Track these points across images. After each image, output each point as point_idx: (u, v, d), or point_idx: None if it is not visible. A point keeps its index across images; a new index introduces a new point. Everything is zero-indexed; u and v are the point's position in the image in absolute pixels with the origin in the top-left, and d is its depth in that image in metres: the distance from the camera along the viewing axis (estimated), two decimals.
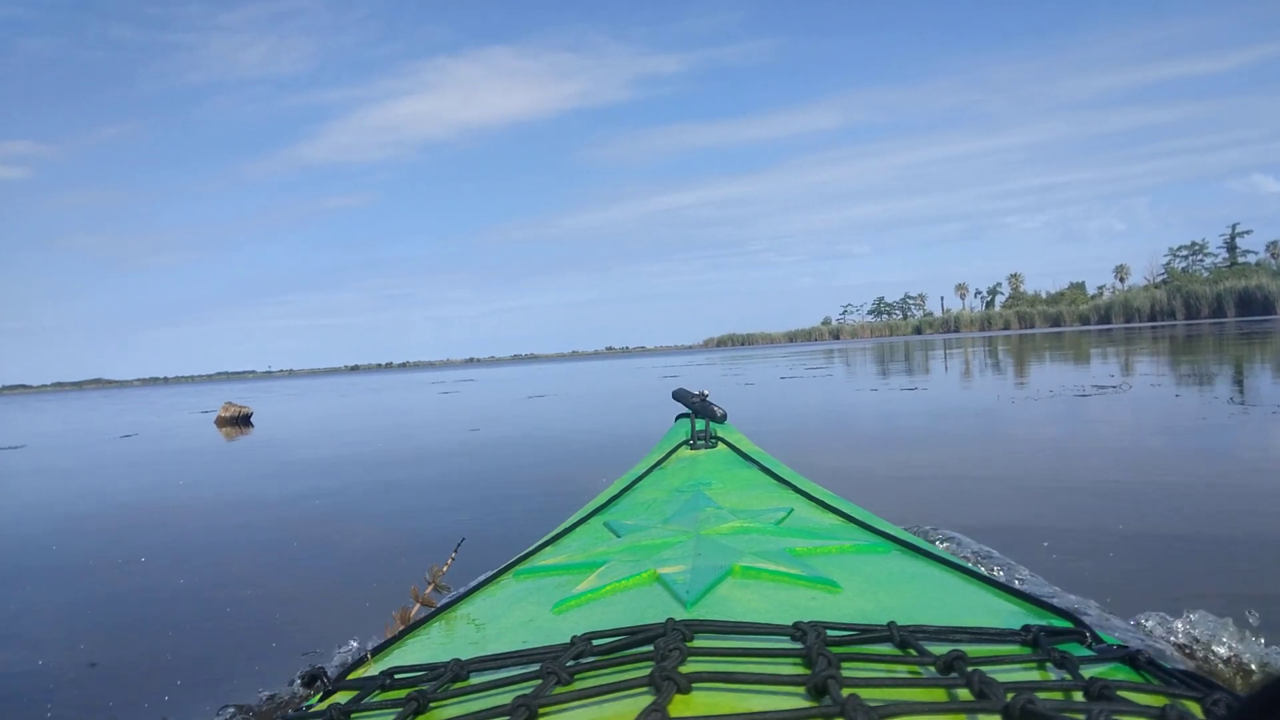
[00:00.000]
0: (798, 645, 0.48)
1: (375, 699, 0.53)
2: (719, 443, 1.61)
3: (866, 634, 0.50)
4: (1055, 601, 0.80)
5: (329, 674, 0.61)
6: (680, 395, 1.86)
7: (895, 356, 22.28)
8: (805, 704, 0.40)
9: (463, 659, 0.54)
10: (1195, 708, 0.41)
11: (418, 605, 0.95)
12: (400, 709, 0.48)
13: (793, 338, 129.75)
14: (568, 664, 0.48)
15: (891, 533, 0.89)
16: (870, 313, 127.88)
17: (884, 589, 0.67)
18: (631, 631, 0.51)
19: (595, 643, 0.51)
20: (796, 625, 0.49)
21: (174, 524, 4.13)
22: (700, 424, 1.69)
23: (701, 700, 0.42)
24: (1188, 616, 1.54)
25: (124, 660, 2.11)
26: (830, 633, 0.49)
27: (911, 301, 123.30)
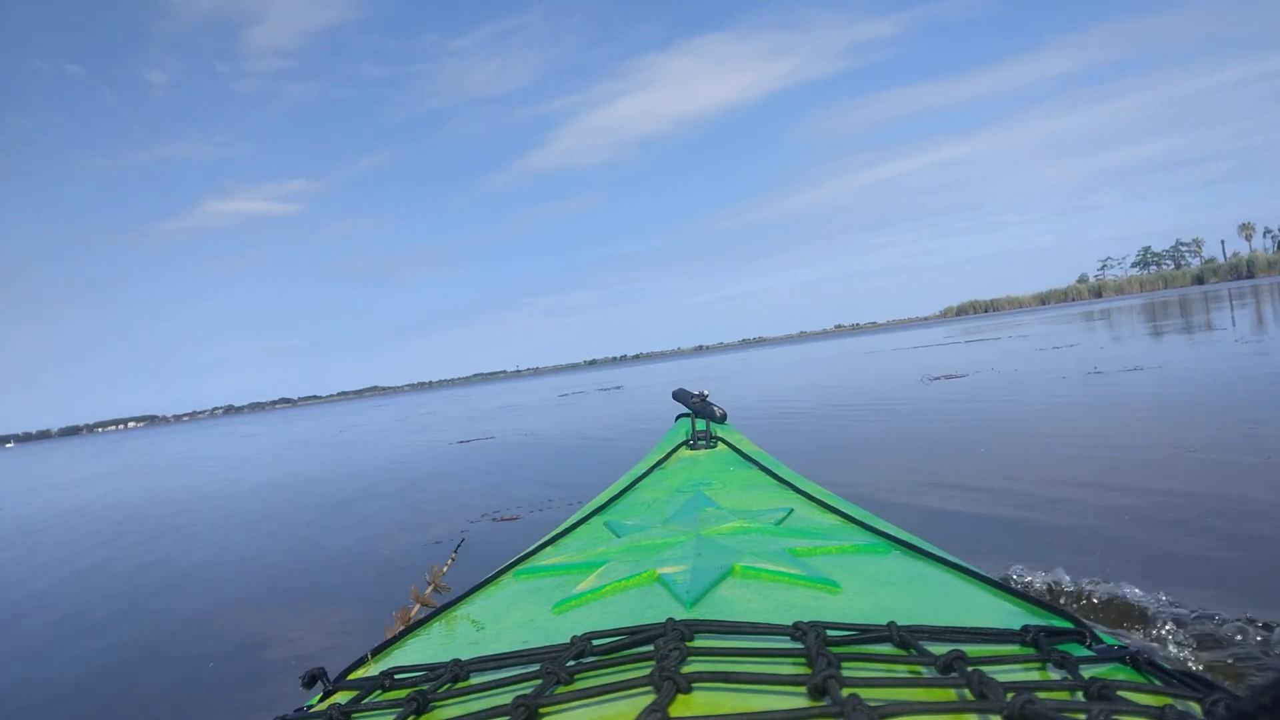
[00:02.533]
0: (798, 645, 0.48)
1: (375, 699, 0.53)
2: (719, 443, 1.61)
3: (866, 634, 0.50)
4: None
5: (329, 674, 0.61)
6: (680, 395, 1.87)
7: (1189, 311, 18.86)
8: (805, 704, 0.40)
9: (463, 659, 0.54)
10: (1196, 708, 0.41)
11: (418, 605, 0.95)
12: (400, 709, 0.48)
13: (1044, 300, 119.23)
14: (568, 664, 0.48)
15: (891, 533, 0.89)
16: (1135, 265, 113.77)
17: (884, 589, 0.67)
18: (631, 631, 0.51)
19: (595, 643, 0.51)
20: (796, 625, 0.49)
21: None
22: (700, 424, 1.69)
23: (702, 700, 0.42)
24: None
25: None
26: (830, 633, 0.49)
27: (1185, 248, 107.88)
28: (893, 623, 0.50)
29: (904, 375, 10.03)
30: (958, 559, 0.79)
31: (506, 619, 0.70)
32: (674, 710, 0.40)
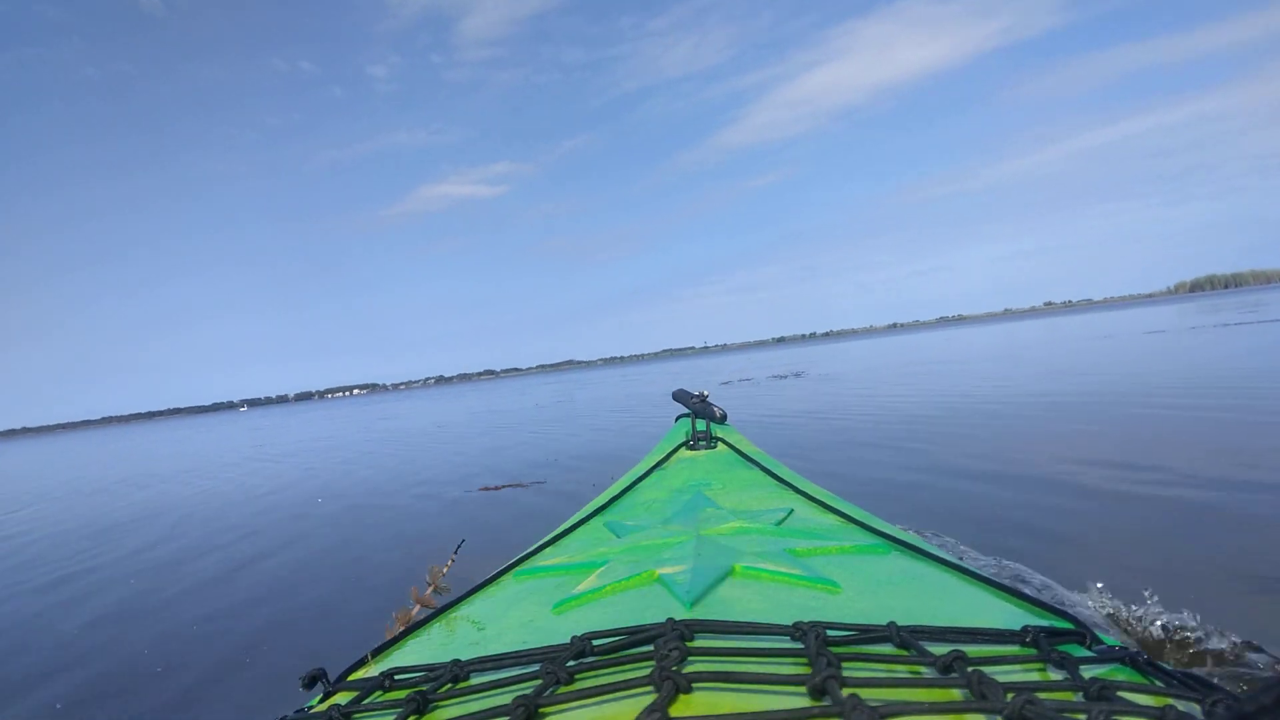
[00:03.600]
0: (798, 645, 0.48)
1: (376, 699, 0.53)
2: (719, 443, 1.61)
3: (867, 634, 0.50)
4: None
5: (329, 675, 0.61)
6: (680, 396, 1.87)
7: None
8: (806, 704, 0.40)
9: (463, 659, 0.54)
10: (1195, 709, 0.41)
11: (418, 606, 0.95)
12: (400, 709, 0.48)
13: None
14: (568, 664, 0.48)
15: (891, 533, 0.89)
16: None
17: (884, 589, 0.67)
18: (632, 631, 0.51)
19: (595, 643, 0.51)
20: (796, 625, 0.49)
21: None
22: (700, 425, 1.69)
23: (702, 700, 0.42)
24: None
25: None
26: (830, 633, 0.49)
27: None
28: (893, 623, 0.50)
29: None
30: (957, 559, 0.79)
31: (506, 619, 0.70)
32: (674, 710, 0.40)
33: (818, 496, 1.12)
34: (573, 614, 0.66)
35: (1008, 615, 0.62)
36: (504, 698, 0.46)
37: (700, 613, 0.59)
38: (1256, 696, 0.31)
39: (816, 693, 0.41)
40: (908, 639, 0.49)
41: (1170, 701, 0.41)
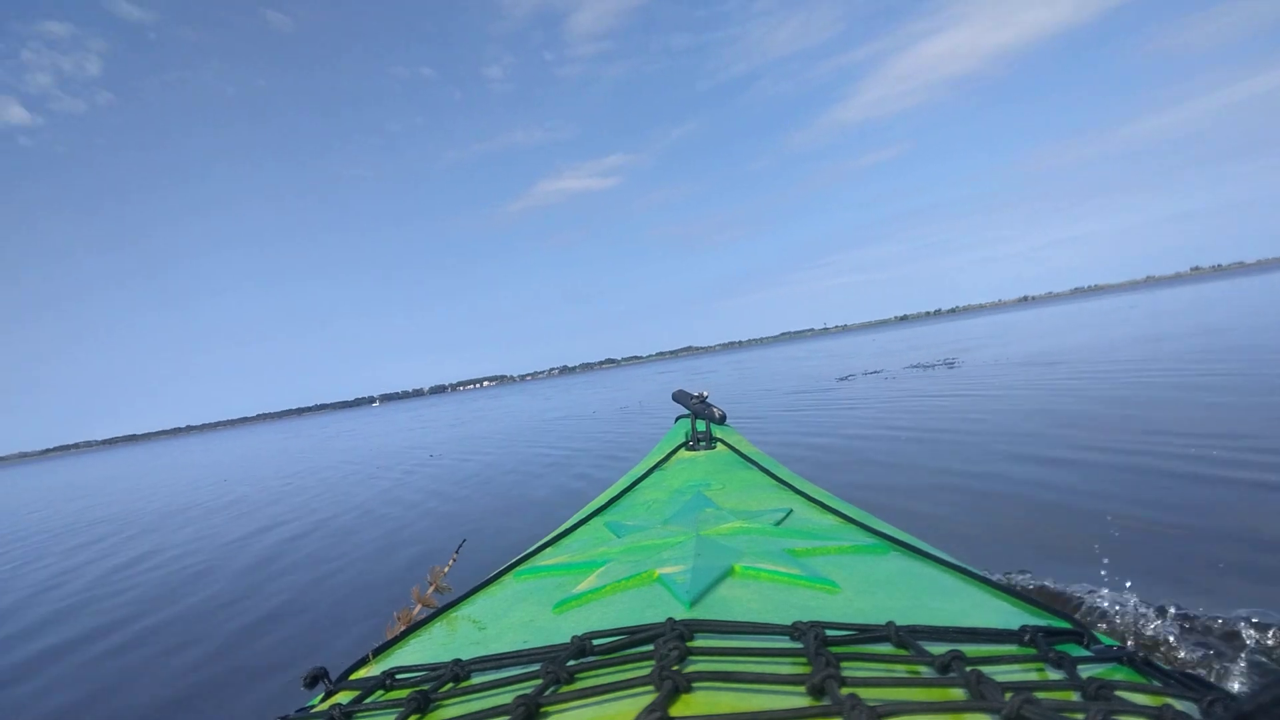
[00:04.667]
0: (797, 645, 0.48)
1: (377, 699, 0.53)
2: (718, 443, 1.61)
3: (865, 634, 0.50)
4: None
5: (330, 674, 0.61)
6: (679, 397, 1.87)
7: None
8: (805, 703, 0.40)
9: (464, 659, 0.54)
10: (1193, 709, 0.42)
11: (419, 606, 0.95)
12: (401, 709, 0.48)
13: None
14: (568, 664, 0.49)
15: (890, 533, 0.89)
16: None
17: (882, 589, 0.67)
18: (632, 631, 0.51)
19: (596, 642, 0.51)
20: (796, 625, 0.49)
21: None
22: (700, 425, 1.69)
23: (702, 700, 0.42)
24: None
25: None
26: (829, 632, 0.49)
27: None
28: (891, 623, 0.50)
29: None
30: (956, 559, 0.79)
31: (507, 619, 0.70)
32: (674, 710, 0.41)
33: (816, 497, 1.12)
34: (573, 614, 0.66)
35: (1006, 615, 0.62)
36: (505, 697, 0.46)
37: (700, 612, 0.59)
38: (1254, 696, 0.31)
39: (815, 692, 0.41)
40: (906, 638, 0.49)
41: (1168, 701, 0.41)
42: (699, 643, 0.49)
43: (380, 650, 0.71)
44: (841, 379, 10.42)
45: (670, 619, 0.51)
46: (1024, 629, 0.52)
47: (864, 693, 0.40)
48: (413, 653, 0.68)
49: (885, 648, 0.49)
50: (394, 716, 0.48)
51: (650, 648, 0.49)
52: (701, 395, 1.81)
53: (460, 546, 1.22)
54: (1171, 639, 1.52)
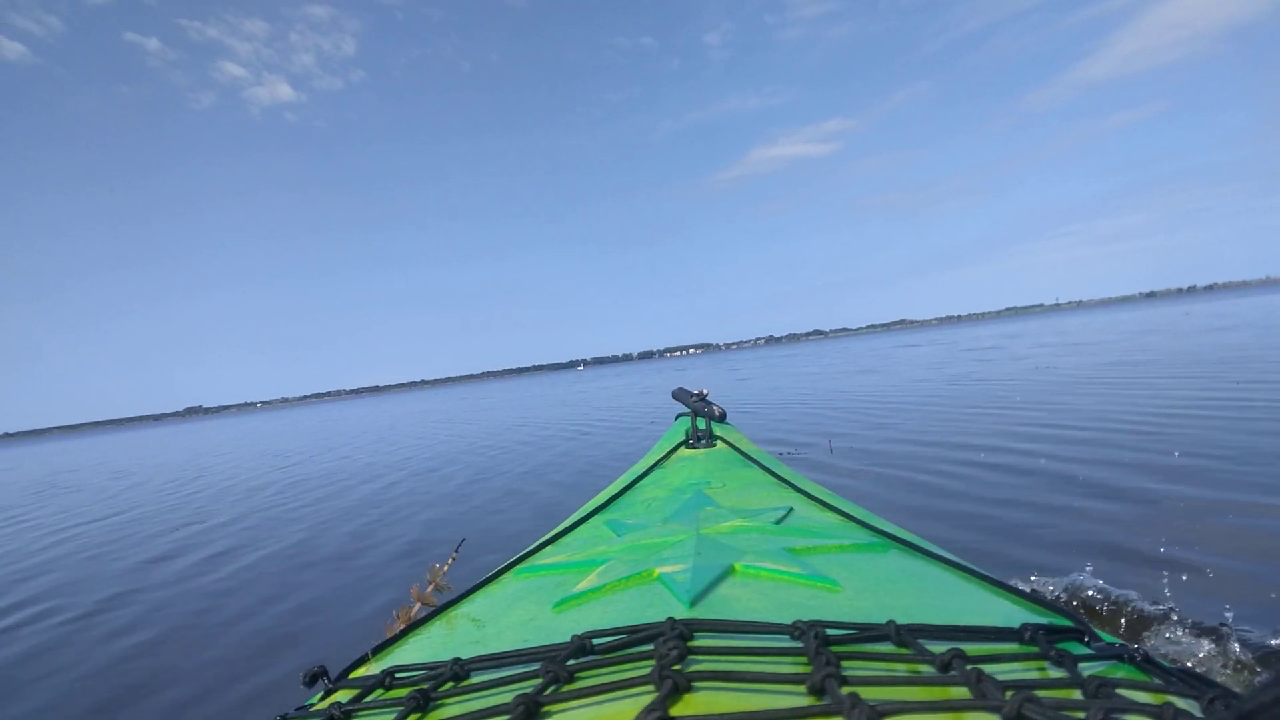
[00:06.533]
0: (797, 644, 0.48)
1: (376, 698, 0.53)
2: (718, 441, 1.61)
3: (866, 633, 0.50)
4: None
5: (330, 673, 0.61)
6: (679, 395, 1.87)
7: None
8: (805, 702, 0.40)
9: (463, 658, 0.54)
10: (1194, 706, 0.42)
11: (418, 604, 0.95)
12: (401, 708, 0.48)
13: None
14: (568, 663, 0.49)
15: (890, 531, 0.89)
16: None
17: (883, 587, 0.67)
18: (632, 630, 0.51)
19: (595, 642, 0.51)
20: (796, 624, 0.49)
21: None
22: (700, 423, 1.69)
23: (702, 699, 0.42)
24: None
25: None
26: (830, 631, 0.49)
27: None
28: (892, 621, 0.50)
29: None
30: (957, 557, 0.79)
31: (507, 618, 0.70)
32: (674, 709, 0.40)
33: (817, 495, 1.12)
34: (573, 613, 0.66)
35: (1007, 613, 0.62)
36: (504, 696, 0.46)
37: (700, 611, 0.59)
38: (1255, 694, 0.31)
39: (816, 691, 0.41)
40: (907, 637, 0.49)
41: (1169, 699, 0.41)
42: (699, 642, 0.49)
43: (380, 649, 0.71)
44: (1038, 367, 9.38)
45: (670, 618, 0.51)
46: (1025, 627, 0.52)
47: (864, 692, 0.40)
48: (412, 651, 0.68)
49: (886, 646, 0.49)
50: (393, 715, 0.48)
51: (650, 647, 0.48)
52: (701, 393, 1.81)
53: (460, 545, 1.22)
54: None
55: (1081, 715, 0.37)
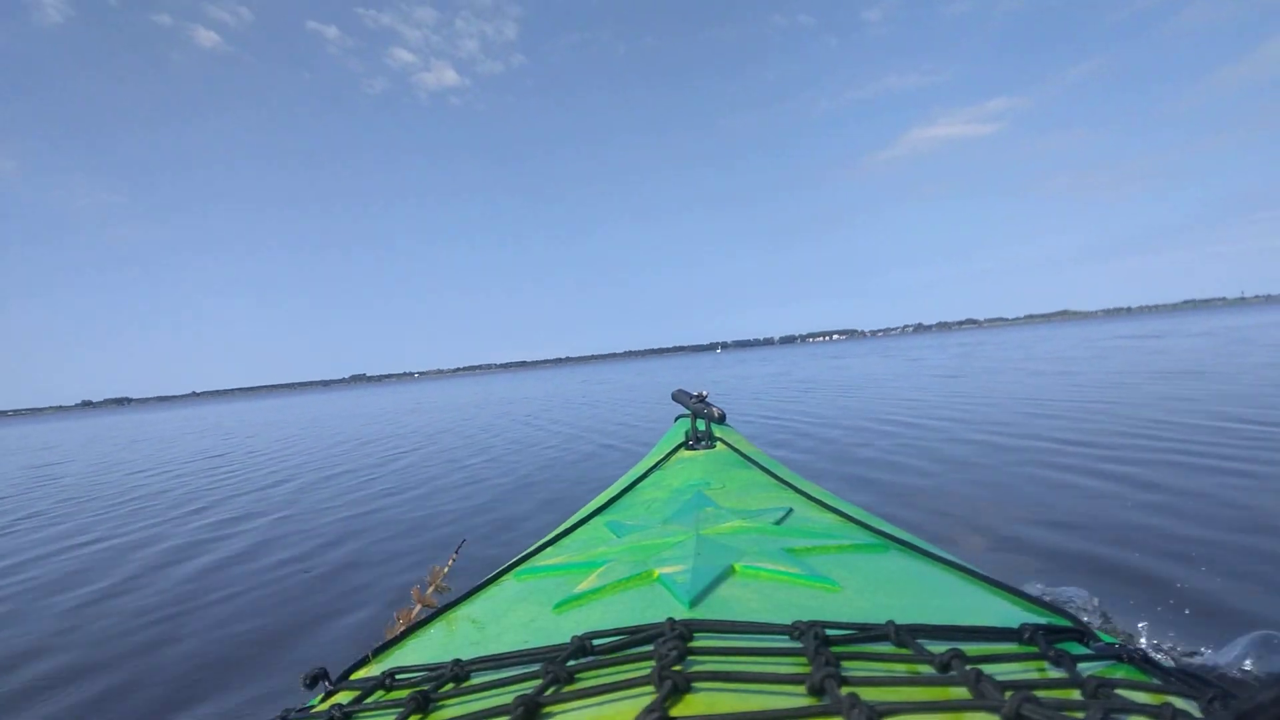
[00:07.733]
0: (797, 644, 0.48)
1: (377, 699, 0.53)
2: (718, 443, 1.61)
3: (865, 633, 0.50)
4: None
5: (330, 674, 0.61)
6: (679, 396, 1.87)
7: None
8: (805, 703, 0.40)
9: (464, 659, 0.54)
10: (1193, 707, 0.42)
11: (419, 606, 0.95)
12: (402, 709, 0.48)
13: None
14: (568, 664, 0.49)
15: (890, 532, 0.89)
16: None
17: (883, 588, 0.67)
18: (632, 631, 0.51)
19: (596, 642, 0.51)
20: (796, 625, 0.49)
21: None
22: (699, 424, 1.69)
23: (702, 699, 0.42)
24: None
25: None
26: (829, 632, 0.49)
27: None
28: (891, 621, 0.50)
29: None
30: (956, 557, 0.79)
31: (507, 619, 0.70)
32: (674, 710, 0.41)
33: (816, 495, 1.12)
34: (573, 614, 0.66)
35: (1006, 613, 0.62)
36: (505, 697, 0.46)
37: (700, 612, 0.59)
38: (1254, 694, 0.31)
39: (815, 692, 0.41)
40: (906, 638, 0.49)
41: (1168, 699, 0.41)
42: (699, 642, 0.49)
43: (380, 650, 0.71)
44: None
45: (670, 619, 0.51)
46: (1024, 627, 0.52)
47: (864, 692, 0.40)
48: (413, 653, 0.68)
49: (885, 647, 0.49)
50: (394, 717, 0.48)
51: (650, 648, 0.49)
52: (701, 394, 1.81)
53: (460, 546, 1.22)
54: None
55: (1081, 715, 0.37)
